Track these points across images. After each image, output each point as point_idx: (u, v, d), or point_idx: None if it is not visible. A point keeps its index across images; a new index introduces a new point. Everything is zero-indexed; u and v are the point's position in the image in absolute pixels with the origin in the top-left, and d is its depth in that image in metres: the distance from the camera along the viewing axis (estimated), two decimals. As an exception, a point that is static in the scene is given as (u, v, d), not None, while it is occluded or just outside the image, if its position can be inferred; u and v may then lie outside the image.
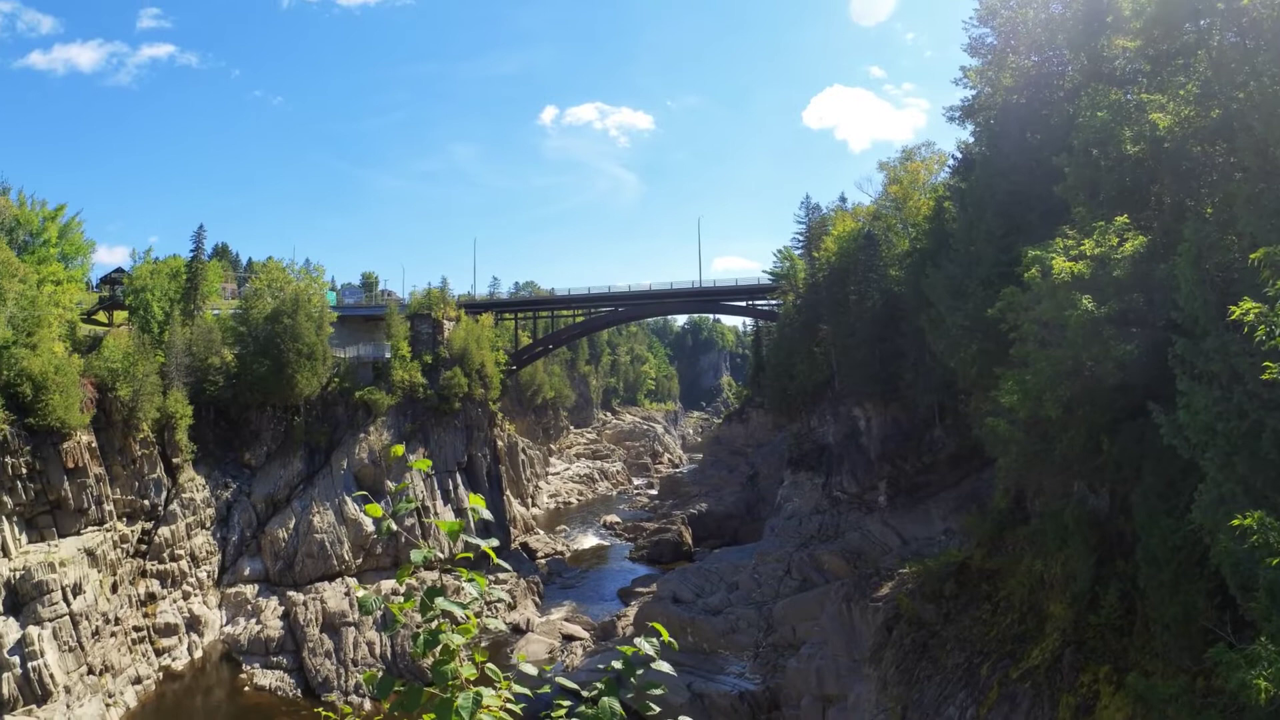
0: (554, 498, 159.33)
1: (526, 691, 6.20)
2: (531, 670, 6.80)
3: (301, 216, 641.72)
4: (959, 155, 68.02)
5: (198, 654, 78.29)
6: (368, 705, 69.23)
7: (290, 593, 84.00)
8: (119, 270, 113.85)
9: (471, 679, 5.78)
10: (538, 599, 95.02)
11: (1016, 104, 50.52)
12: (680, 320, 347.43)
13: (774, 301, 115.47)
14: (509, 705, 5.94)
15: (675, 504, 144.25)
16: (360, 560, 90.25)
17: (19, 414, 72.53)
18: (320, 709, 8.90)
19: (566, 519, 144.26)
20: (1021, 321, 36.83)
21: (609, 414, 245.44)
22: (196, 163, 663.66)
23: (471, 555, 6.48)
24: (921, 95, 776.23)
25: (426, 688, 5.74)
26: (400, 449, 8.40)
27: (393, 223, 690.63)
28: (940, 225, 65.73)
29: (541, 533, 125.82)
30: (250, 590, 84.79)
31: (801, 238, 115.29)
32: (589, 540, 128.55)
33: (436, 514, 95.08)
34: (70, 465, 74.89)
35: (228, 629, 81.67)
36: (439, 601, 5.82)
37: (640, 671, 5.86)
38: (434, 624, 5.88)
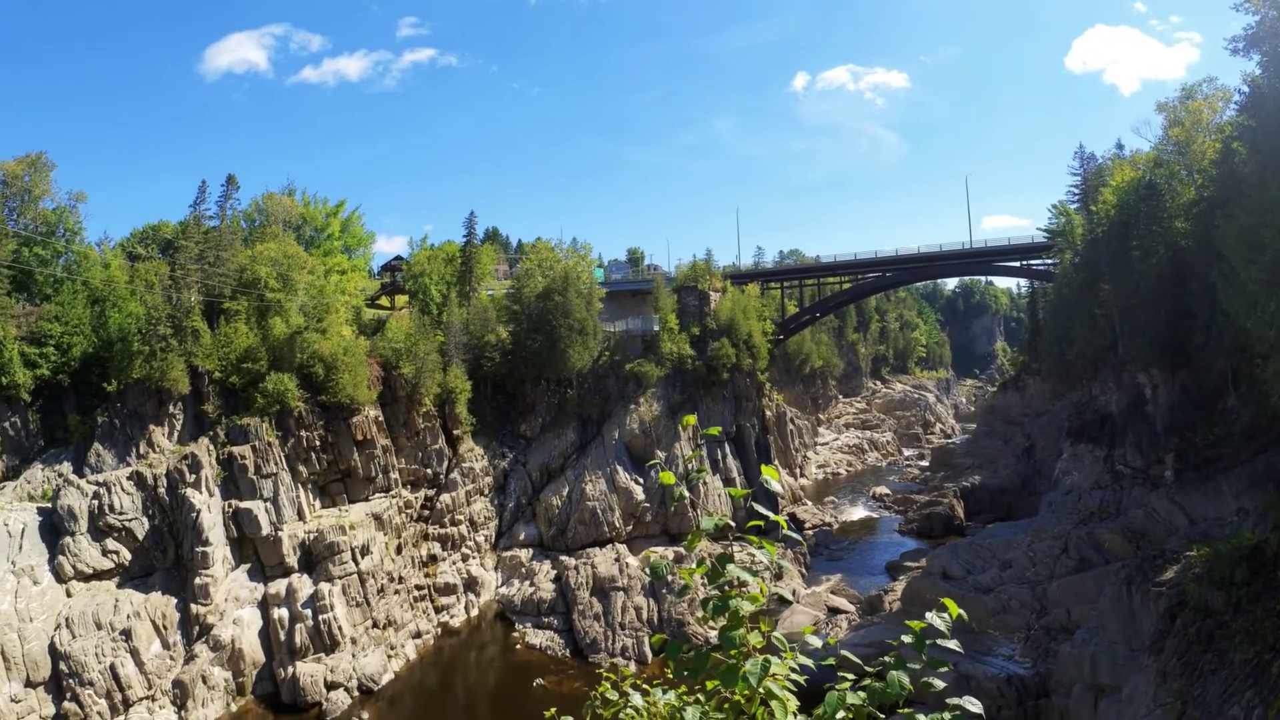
0: (822, 468, 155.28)
1: (809, 662, 6.01)
2: (816, 642, 6.32)
3: (567, 197, 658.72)
4: (1246, 90, 59.69)
5: (474, 612, 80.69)
6: (633, 667, 69.11)
7: (562, 557, 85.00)
8: (398, 258, 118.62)
9: (758, 647, 5.75)
10: (804, 570, 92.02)
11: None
12: (950, 283, 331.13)
13: (1049, 261, 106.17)
14: (793, 675, 5.81)
15: (947, 476, 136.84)
16: (630, 527, 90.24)
17: (312, 392, 76.34)
18: (601, 670, 8.85)
19: (835, 490, 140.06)
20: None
21: (878, 382, 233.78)
22: (464, 154, 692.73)
23: (763, 524, 6.26)
24: (1192, 28, 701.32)
25: (713, 653, 5.78)
26: (692, 418, 8.63)
27: (656, 198, 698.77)
28: (1229, 169, 57.89)
29: (809, 503, 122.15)
30: (525, 554, 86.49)
31: (1076, 191, 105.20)
32: (857, 512, 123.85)
33: (705, 483, 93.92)
34: (359, 438, 78.24)
35: (502, 590, 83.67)
36: (730, 568, 5.82)
37: (928, 644, 5.70)
38: (724, 590, 5.88)
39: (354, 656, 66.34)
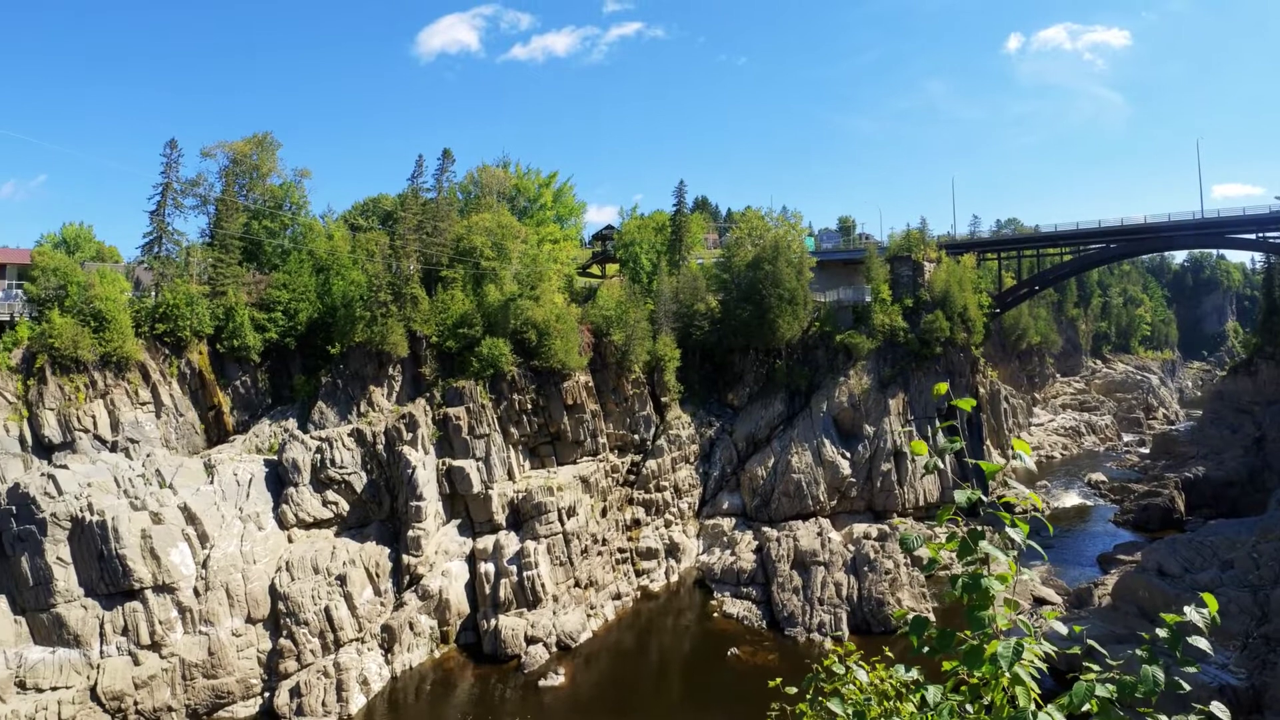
0: (1036, 450, 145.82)
1: (1052, 649, 5.69)
2: (1062, 629, 5.98)
3: (776, 165, 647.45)
4: None
5: (674, 578, 79.18)
6: (828, 644, 66.23)
7: (764, 528, 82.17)
8: (609, 227, 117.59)
9: (1005, 629, 5.57)
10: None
11: None
12: (1178, 257, 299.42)
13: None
14: (1037, 661, 5.56)
15: (1168, 465, 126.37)
16: (834, 502, 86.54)
17: (525, 357, 76.29)
18: (833, 651, 8.26)
19: (1048, 474, 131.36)
20: None
21: (1098, 362, 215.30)
22: (672, 124, 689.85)
23: (1015, 500, 6.22)
24: None
25: (960, 633, 5.61)
26: (944, 386, 7.61)
27: (868, 165, 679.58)
28: None
29: (1020, 486, 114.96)
30: (727, 523, 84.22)
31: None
32: (1070, 498, 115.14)
33: (913, 460, 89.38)
34: (569, 402, 77.74)
35: (703, 557, 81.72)
36: (982, 545, 5.73)
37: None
38: (973, 568, 5.71)
39: (554, 614, 65.82)
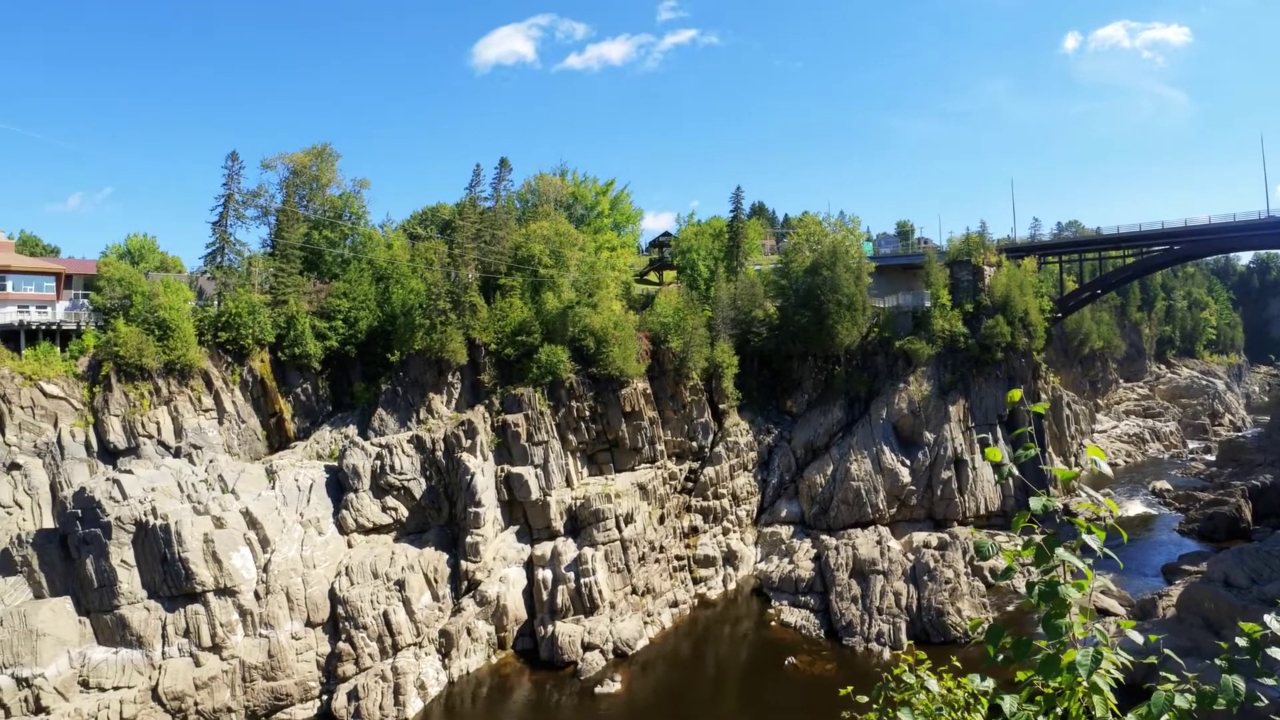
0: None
1: (1127, 659, 5.64)
2: (1138, 638, 5.95)
3: (833, 170, 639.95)
4: None
5: (731, 586, 78.04)
6: (886, 654, 64.88)
7: (823, 536, 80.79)
8: (666, 234, 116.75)
9: (1080, 638, 5.46)
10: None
11: None
12: (1244, 258, 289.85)
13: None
14: (1114, 671, 5.49)
15: (1235, 473, 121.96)
16: (894, 510, 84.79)
17: (583, 364, 75.86)
18: (904, 660, 7.92)
19: (1111, 482, 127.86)
20: None
21: (1162, 366, 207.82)
22: (728, 130, 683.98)
23: (1092, 508, 6.53)
24: None
25: (1035, 641, 5.55)
26: (1017, 393, 7.53)
27: (926, 168, 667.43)
28: None
29: (1083, 494, 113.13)
30: (785, 531, 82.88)
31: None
32: (1134, 507, 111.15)
33: (974, 468, 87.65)
34: (627, 409, 77.11)
35: (761, 565, 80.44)
36: (1059, 552, 5.47)
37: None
38: (1049, 575, 5.53)
39: (611, 620, 65.17)
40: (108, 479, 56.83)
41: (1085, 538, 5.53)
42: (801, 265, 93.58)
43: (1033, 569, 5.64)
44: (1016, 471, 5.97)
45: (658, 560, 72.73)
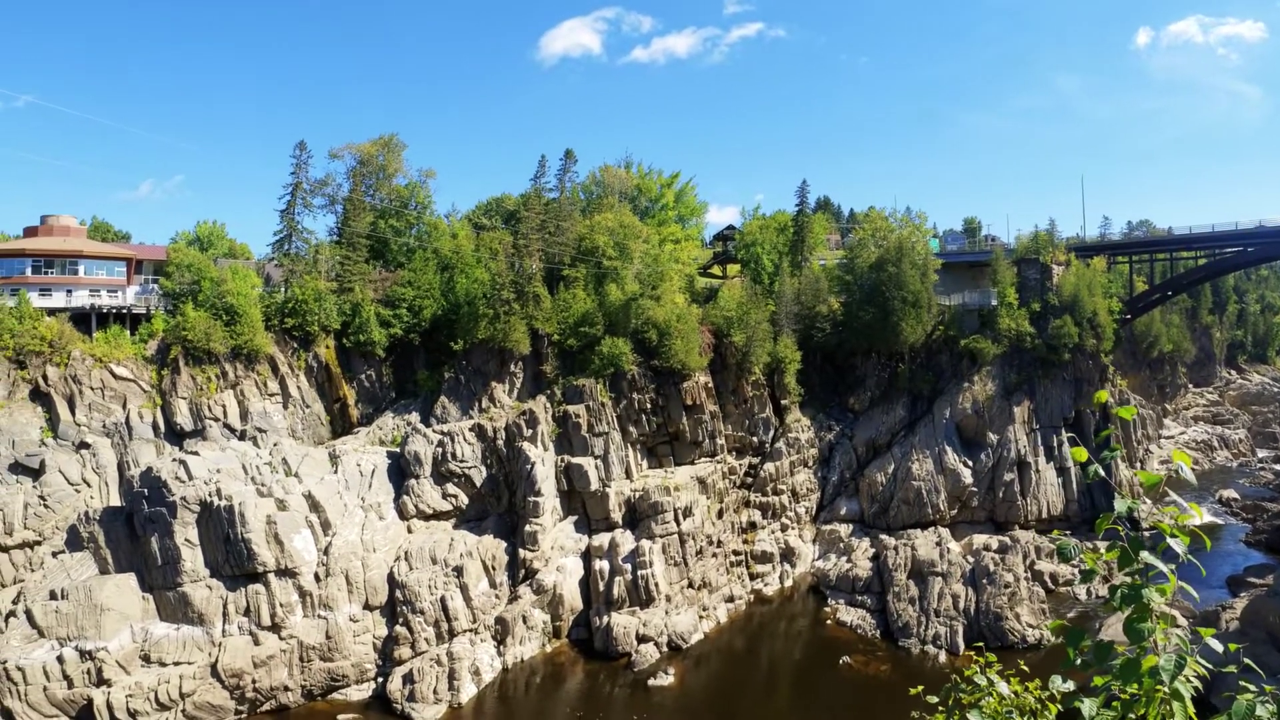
0: (1164, 464, 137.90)
1: (1207, 666, 5.42)
2: (1217, 646, 5.75)
3: (900, 165, 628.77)
4: None
5: (788, 583, 77.14)
6: (943, 658, 63.46)
7: (882, 536, 79.42)
8: (730, 227, 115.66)
9: (1162, 644, 5.32)
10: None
11: None
12: None
13: None
14: (1194, 679, 5.33)
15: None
16: (955, 511, 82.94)
17: (645, 356, 75.21)
18: (975, 661, 7.69)
19: (1177, 489, 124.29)
20: None
21: (1233, 372, 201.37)
22: (794, 123, 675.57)
23: (1176, 512, 5.64)
24: None
25: (1117, 644, 5.47)
26: (1104, 394, 6.78)
27: (994, 164, 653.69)
28: None
29: (1148, 501, 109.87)
30: (844, 529, 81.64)
31: None
32: (1201, 516, 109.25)
33: (1038, 470, 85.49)
34: (688, 403, 76.30)
35: (818, 563, 79.38)
36: (1143, 555, 5.41)
37: None
38: (1132, 578, 5.44)
39: (667, 613, 64.60)
40: (174, 460, 57.51)
41: (1169, 541, 5.38)
42: (867, 261, 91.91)
43: (1103, 575, 5.08)
44: (1103, 473, 5.64)
45: (715, 555, 71.95)
